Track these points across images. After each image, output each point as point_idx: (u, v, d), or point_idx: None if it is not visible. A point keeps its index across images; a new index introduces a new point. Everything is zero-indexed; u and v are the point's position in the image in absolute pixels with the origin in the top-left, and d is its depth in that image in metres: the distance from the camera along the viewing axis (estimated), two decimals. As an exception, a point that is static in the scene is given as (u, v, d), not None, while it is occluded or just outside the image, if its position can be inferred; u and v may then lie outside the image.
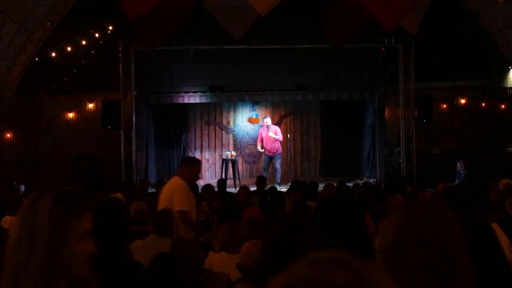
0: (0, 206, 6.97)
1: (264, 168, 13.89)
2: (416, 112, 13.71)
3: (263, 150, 13.93)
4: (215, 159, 15.67)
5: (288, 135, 15.41)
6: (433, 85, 16.53)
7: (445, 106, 15.36)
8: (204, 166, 15.71)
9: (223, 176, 13.24)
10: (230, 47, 13.62)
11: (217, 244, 4.29)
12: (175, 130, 15.60)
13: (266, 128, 13.64)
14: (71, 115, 14.94)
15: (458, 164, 13.57)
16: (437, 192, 7.65)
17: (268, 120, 13.77)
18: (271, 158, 13.74)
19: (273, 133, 13.53)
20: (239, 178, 13.90)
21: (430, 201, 1.69)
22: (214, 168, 15.66)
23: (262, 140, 13.83)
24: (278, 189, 10.07)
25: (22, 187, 12.30)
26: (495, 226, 3.19)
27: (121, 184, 10.29)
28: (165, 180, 13.36)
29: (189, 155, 15.50)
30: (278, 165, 13.67)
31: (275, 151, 13.61)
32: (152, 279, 2.96)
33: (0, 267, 1.65)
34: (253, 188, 9.39)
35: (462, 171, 13.44)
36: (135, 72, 13.80)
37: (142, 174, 14.03)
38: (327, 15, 8.56)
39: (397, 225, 1.60)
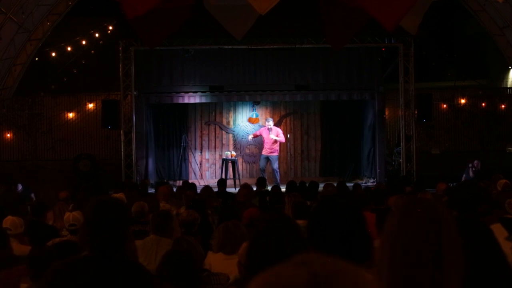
0: (0, 206, 6.97)
1: (261, 169, 13.90)
2: (416, 112, 13.71)
3: (251, 138, 14.37)
4: (215, 159, 15.67)
5: (288, 135, 15.42)
6: (433, 85, 16.54)
7: (445, 106, 15.37)
8: (204, 166, 15.73)
9: (223, 176, 13.24)
10: (230, 47, 13.64)
11: (215, 245, 4.29)
12: (175, 130, 15.60)
13: (268, 130, 13.65)
14: (71, 115, 14.94)
15: (475, 162, 13.32)
16: (437, 192, 7.65)
17: (270, 123, 13.77)
18: (267, 159, 13.74)
19: (275, 135, 13.55)
20: (239, 178, 13.91)
21: (428, 200, 1.70)
22: (214, 168, 15.66)
23: (257, 136, 14.15)
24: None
25: (20, 186, 12.31)
26: (497, 226, 3.19)
27: (121, 184, 10.28)
28: (165, 180, 13.45)
29: (189, 155, 15.54)
30: (275, 166, 13.68)
31: (271, 152, 13.60)
32: (157, 279, 2.97)
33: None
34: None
35: (476, 168, 13.20)
36: (135, 72, 13.81)
37: (142, 174, 14.03)
38: (327, 15, 8.55)
39: (394, 224, 1.61)
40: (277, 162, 13.84)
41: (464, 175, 13.16)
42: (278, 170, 13.82)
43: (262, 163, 13.93)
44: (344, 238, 2.15)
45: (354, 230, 2.20)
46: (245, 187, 8.36)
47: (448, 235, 1.54)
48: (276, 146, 13.69)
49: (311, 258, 0.95)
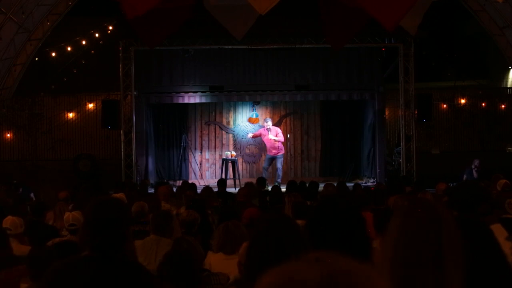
0: (0, 206, 6.97)
1: (264, 168, 13.93)
2: (416, 112, 13.70)
3: (250, 136, 14.40)
4: (215, 159, 15.67)
5: (288, 135, 15.42)
6: (433, 85, 16.54)
7: (445, 106, 15.37)
8: (204, 166, 15.73)
9: (223, 176, 13.24)
10: (230, 47, 13.64)
11: (215, 245, 4.30)
12: (175, 130, 15.60)
13: (267, 130, 13.66)
14: (71, 115, 14.94)
15: (477, 162, 13.19)
16: (437, 192, 7.64)
17: (269, 123, 13.78)
18: (272, 159, 13.77)
19: (274, 135, 13.56)
20: (239, 178, 13.91)
21: (429, 201, 1.70)
22: (214, 168, 15.66)
23: (256, 136, 14.22)
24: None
25: (20, 189, 12.31)
26: (497, 226, 3.19)
27: (121, 184, 10.28)
28: (165, 180, 13.45)
29: (189, 155, 15.54)
30: (279, 164, 13.70)
31: (276, 151, 13.63)
32: (157, 279, 2.97)
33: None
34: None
35: (477, 169, 13.07)
36: (135, 72, 13.81)
37: (142, 174, 14.03)
38: (327, 15, 8.55)
39: (396, 224, 1.61)
40: (281, 160, 13.81)
41: (465, 175, 13.10)
42: (281, 169, 13.79)
43: (266, 163, 13.94)
44: (344, 238, 2.15)
45: (353, 230, 2.20)
46: (247, 186, 8.37)
47: (448, 235, 1.55)
48: (280, 145, 13.69)
49: (324, 256, 0.95)
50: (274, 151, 13.62)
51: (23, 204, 9.03)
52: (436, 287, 1.49)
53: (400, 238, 1.57)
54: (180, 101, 14.64)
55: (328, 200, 2.37)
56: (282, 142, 13.82)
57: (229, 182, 13.19)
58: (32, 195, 11.89)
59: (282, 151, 13.78)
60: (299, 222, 2.75)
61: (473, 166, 13.08)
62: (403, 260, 1.53)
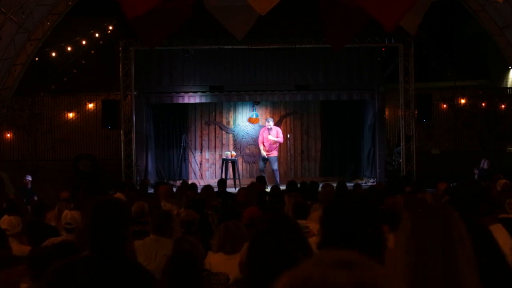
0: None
1: (260, 170, 13.94)
2: (416, 112, 13.71)
3: (265, 154, 13.89)
4: (215, 159, 15.67)
5: (288, 135, 15.42)
6: (433, 85, 16.55)
7: (445, 106, 15.37)
8: (204, 166, 15.73)
9: (223, 176, 13.24)
10: (230, 47, 13.64)
11: (215, 244, 4.30)
12: (175, 130, 15.60)
13: (268, 130, 13.70)
14: (71, 115, 14.94)
15: (486, 162, 13.09)
16: (438, 192, 7.64)
17: (270, 123, 13.80)
18: (266, 160, 13.80)
19: (274, 136, 13.60)
20: (239, 178, 13.91)
21: (436, 203, 1.71)
22: (214, 168, 15.66)
23: (263, 142, 13.95)
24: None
25: (29, 177, 12.29)
26: (498, 226, 3.19)
27: (121, 184, 10.28)
28: (165, 180, 13.44)
29: (189, 155, 15.53)
30: (275, 166, 13.74)
31: (270, 152, 13.69)
32: (156, 279, 2.97)
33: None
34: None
35: (487, 169, 12.98)
36: (135, 72, 13.81)
37: (142, 174, 14.03)
38: (327, 15, 8.55)
39: (408, 226, 1.62)
40: (276, 163, 13.85)
41: (476, 176, 12.97)
42: (277, 170, 13.83)
43: (261, 164, 13.96)
44: (356, 234, 2.14)
45: (364, 227, 2.18)
46: (249, 187, 8.35)
47: (459, 235, 1.56)
48: (275, 146, 13.73)
49: (350, 259, 0.88)
50: (268, 151, 13.68)
51: (24, 205, 9.00)
52: (449, 285, 1.50)
53: (411, 240, 1.58)
54: (180, 101, 14.64)
55: (344, 197, 2.37)
56: (280, 143, 13.85)
57: (229, 182, 13.19)
58: (35, 197, 11.85)
59: (275, 153, 13.82)
60: (299, 222, 2.75)
61: (485, 167, 12.99)
62: (416, 262, 1.54)
